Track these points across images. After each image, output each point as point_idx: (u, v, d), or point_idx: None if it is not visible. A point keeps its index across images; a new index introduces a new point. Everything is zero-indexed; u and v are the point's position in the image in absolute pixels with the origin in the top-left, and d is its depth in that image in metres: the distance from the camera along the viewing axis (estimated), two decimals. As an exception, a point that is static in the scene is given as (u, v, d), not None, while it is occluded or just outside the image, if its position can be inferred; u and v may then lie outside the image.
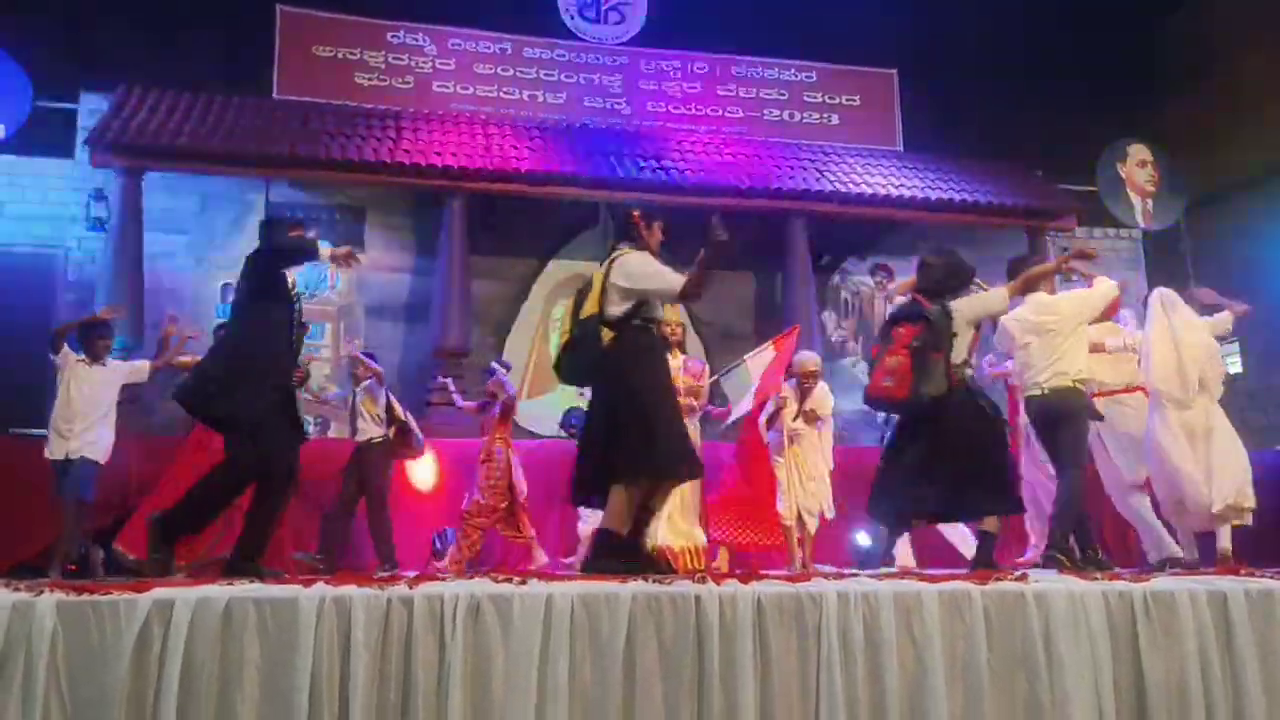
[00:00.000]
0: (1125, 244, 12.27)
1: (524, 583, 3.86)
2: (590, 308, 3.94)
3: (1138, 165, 11.92)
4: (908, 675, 3.72)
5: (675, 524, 4.97)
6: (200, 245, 9.65)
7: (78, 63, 10.20)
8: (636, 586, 3.81)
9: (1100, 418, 5.25)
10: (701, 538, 5.03)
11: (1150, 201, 11.89)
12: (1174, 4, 12.72)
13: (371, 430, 6.37)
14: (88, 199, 9.20)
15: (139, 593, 3.53)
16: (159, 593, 3.54)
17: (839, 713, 3.62)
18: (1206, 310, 5.65)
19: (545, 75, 11.03)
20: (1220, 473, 5.22)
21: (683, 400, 5.11)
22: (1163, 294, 5.55)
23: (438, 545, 6.51)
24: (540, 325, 10.42)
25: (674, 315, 5.40)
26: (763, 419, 6.69)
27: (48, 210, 9.60)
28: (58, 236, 9.54)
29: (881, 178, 10.56)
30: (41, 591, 3.55)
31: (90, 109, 9.66)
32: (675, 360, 5.27)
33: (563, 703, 3.50)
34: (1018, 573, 4.44)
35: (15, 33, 9.69)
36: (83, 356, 5.87)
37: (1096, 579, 4.33)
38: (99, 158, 8.82)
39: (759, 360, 6.00)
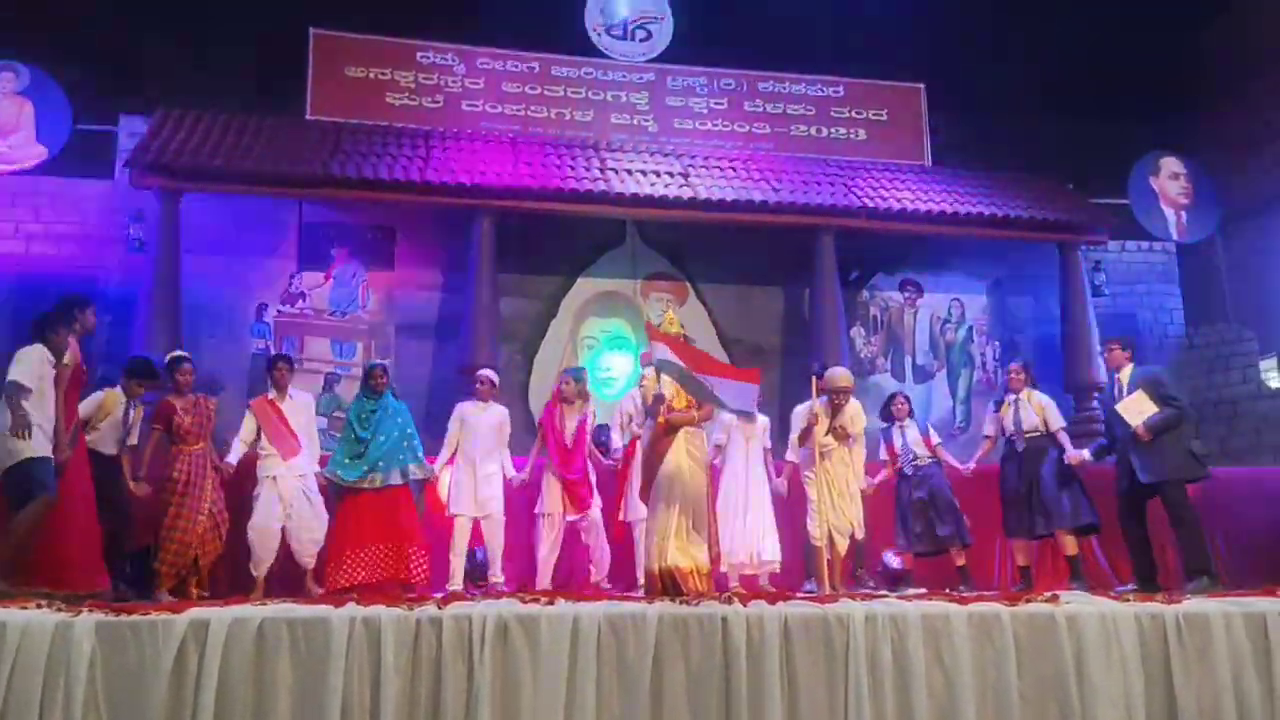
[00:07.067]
0: (1159, 257, 12.12)
1: (551, 603, 3.89)
2: None
3: (1170, 178, 11.78)
4: (937, 700, 3.70)
5: (682, 544, 4.95)
6: (235, 265, 9.79)
7: (117, 86, 10.43)
8: (662, 608, 3.83)
9: None
10: (705, 559, 5.01)
11: (1184, 214, 11.74)
12: (1208, 16, 12.59)
13: None
14: (127, 220, 9.36)
15: (176, 613, 3.60)
16: (195, 613, 3.61)
17: (867, 738, 3.61)
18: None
19: (573, 93, 11.11)
20: None
21: (685, 413, 5.16)
22: None
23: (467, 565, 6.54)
24: (568, 342, 10.46)
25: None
26: (794, 435, 6.68)
27: (88, 231, 9.77)
28: (98, 257, 9.69)
29: (910, 192, 10.52)
30: (80, 612, 3.63)
31: (129, 132, 9.84)
32: None
33: (590, 726, 3.52)
34: (1048, 594, 4.41)
35: (55, 57, 9.94)
36: None
37: (1128, 600, 4.29)
38: (138, 179, 8.97)
39: None
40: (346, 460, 6.27)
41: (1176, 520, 6.06)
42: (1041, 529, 6.63)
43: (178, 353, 6.52)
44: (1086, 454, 6.58)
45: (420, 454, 6.42)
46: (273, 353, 9.37)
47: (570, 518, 6.52)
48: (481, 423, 6.64)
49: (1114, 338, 6.71)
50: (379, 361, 6.97)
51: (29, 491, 4.99)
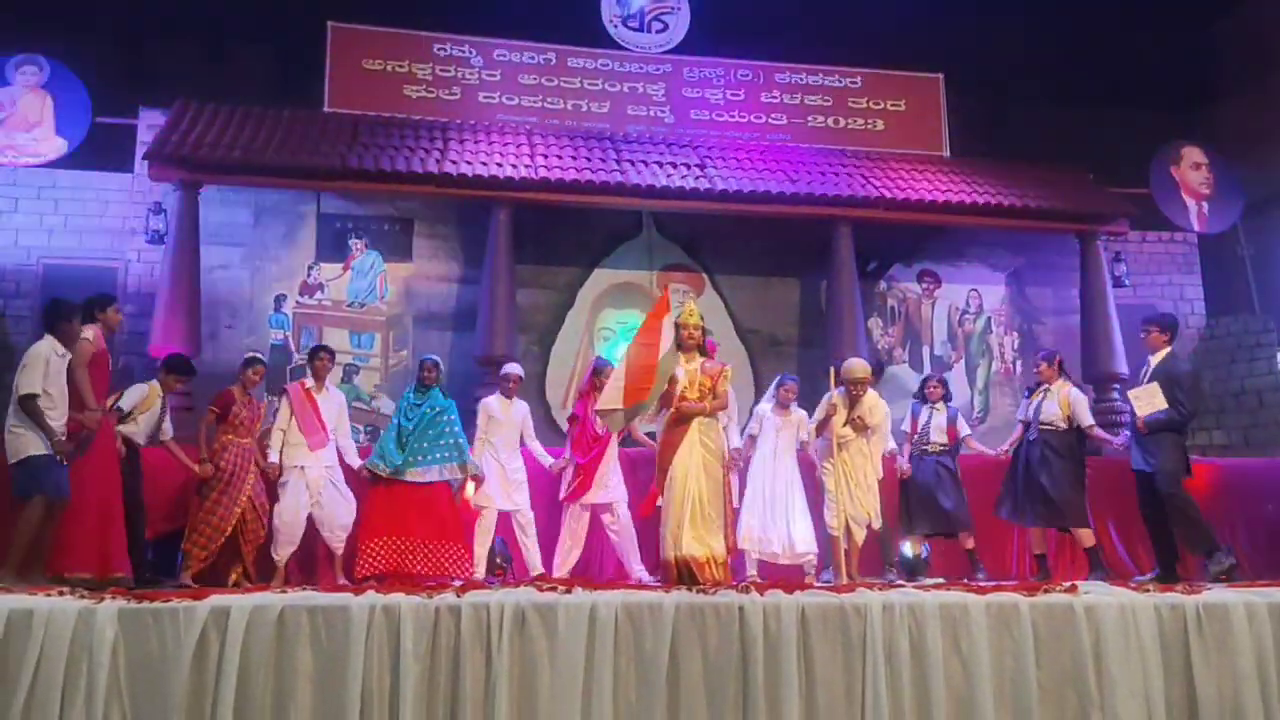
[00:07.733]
0: (1180, 248, 12.01)
1: (569, 592, 3.90)
2: None
3: (1192, 168, 11.65)
4: (954, 690, 3.69)
5: (698, 533, 4.96)
6: (254, 257, 9.85)
7: (136, 79, 10.50)
8: (680, 597, 3.83)
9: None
10: (721, 548, 5.02)
11: (1205, 205, 11.62)
12: (1227, 7, 12.44)
13: None
14: (147, 212, 9.43)
15: (197, 601, 3.63)
16: (216, 600, 3.63)
17: (884, 727, 3.60)
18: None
19: (589, 85, 11.09)
20: None
21: (698, 403, 5.16)
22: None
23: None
24: (585, 333, 10.47)
25: (692, 319, 5.41)
26: (811, 425, 6.67)
27: (108, 224, 9.87)
28: (118, 249, 9.80)
29: (928, 183, 10.45)
30: (102, 599, 3.66)
31: (149, 124, 9.89)
32: (693, 363, 5.30)
33: (607, 716, 3.53)
34: (1066, 584, 4.39)
35: (76, 51, 10.01)
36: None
37: (1148, 590, 4.26)
38: (157, 172, 9.03)
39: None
40: (389, 449, 6.32)
41: (1172, 513, 6.04)
42: (1030, 520, 6.62)
43: (254, 354, 6.70)
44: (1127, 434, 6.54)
45: (467, 453, 6.44)
46: (300, 345, 9.49)
47: (592, 501, 6.55)
48: (508, 419, 6.73)
49: (1153, 319, 6.53)
50: (431, 355, 6.96)
51: (33, 488, 5.04)
